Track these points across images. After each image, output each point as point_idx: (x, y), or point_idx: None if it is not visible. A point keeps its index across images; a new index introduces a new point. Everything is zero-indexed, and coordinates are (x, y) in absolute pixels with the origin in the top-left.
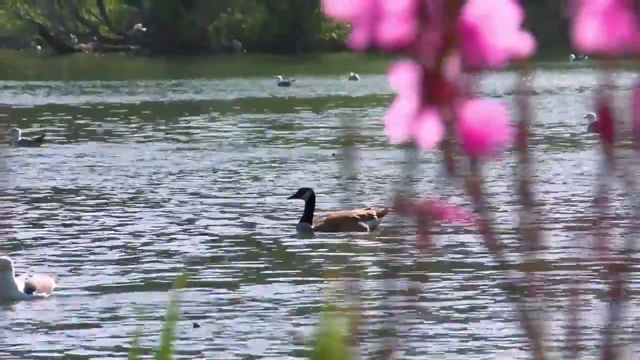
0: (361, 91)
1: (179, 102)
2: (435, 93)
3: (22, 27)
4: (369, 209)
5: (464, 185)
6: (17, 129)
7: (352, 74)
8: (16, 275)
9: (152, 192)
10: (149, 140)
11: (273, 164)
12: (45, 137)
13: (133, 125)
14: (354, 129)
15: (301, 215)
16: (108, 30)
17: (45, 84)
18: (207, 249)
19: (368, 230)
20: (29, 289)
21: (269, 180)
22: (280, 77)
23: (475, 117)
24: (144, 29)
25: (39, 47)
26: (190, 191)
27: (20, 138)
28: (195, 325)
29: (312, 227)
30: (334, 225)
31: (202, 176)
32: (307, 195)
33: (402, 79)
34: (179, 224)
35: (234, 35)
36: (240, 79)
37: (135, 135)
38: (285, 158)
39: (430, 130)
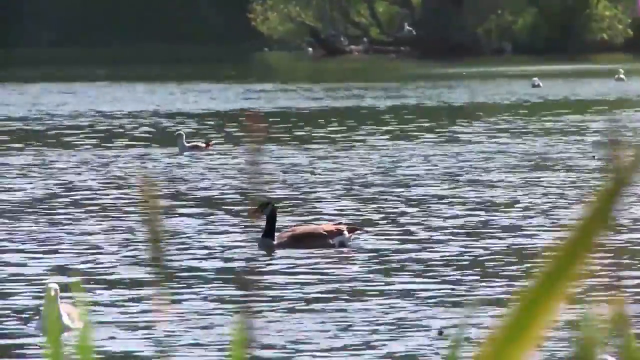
0: (626, 93)
1: (442, 104)
2: None
3: (294, 29)
4: (339, 224)
5: None
6: (182, 133)
7: (619, 75)
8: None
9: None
10: (382, 146)
11: (527, 166)
12: (213, 142)
13: (385, 128)
14: (618, 131)
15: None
16: (378, 32)
17: (312, 86)
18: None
19: (336, 247)
20: (73, 319)
21: (526, 183)
22: (535, 79)
23: None
24: (413, 31)
25: (309, 49)
26: (453, 190)
27: (188, 144)
28: (440, 332)
29: (275, 242)
30: (298, 241)
31: (449, 179)
32: (267, 211)
33: None
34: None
35: (503, 37)
36: (505, 79)
37: (380, 139)
38: (542, 160)
39: None
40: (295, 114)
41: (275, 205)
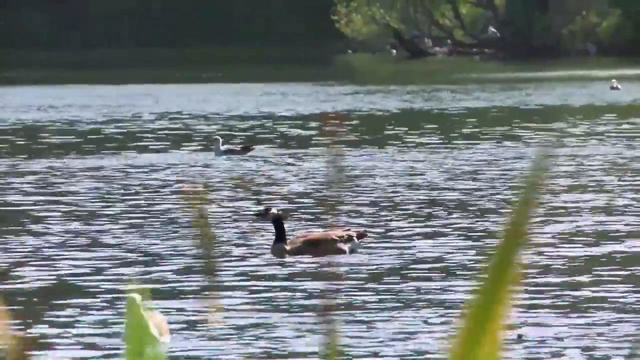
0: None
1: (523, 106)
2: None
3: (378, 31)
4: (349, 230)
5: None
6: (218, 137)
7: None
8: None
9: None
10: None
11: (602, 170)
12: (253, 147)
13: (465, 131)
14: None
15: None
16: (462, 33)
17: (395, 88)
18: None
19: (347, 252)
20: (160, 330)
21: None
22: (614, 81)
23: None
24: (497, 33)
25: (393, 51)
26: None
27: (224, 147)
28: (520, 337)
29: (288, 248)
30: (311, 246)
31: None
32: (270, 217)
33: None
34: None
35: (588, 38)
36: (585, 82)
37: (459, 142)
38: (613, 165)
39: None
40: (376, 116)
41: (279, 210)
